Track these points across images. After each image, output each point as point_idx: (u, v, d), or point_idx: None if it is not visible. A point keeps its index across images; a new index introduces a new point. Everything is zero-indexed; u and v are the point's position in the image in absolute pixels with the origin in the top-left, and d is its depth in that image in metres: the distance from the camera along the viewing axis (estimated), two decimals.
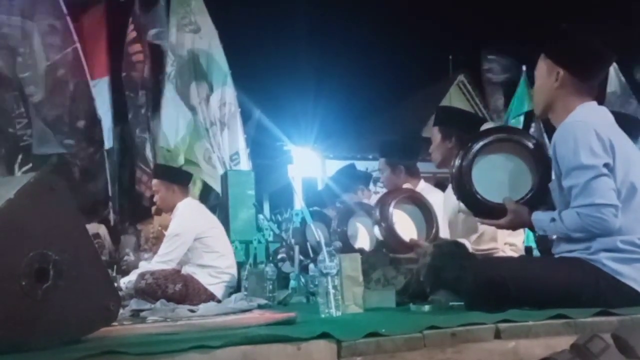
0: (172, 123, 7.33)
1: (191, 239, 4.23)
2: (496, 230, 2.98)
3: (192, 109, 7.56)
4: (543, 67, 2.39)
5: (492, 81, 9.94)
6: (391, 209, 3.21)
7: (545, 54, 2.39)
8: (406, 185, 3.87)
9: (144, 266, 4.32)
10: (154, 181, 4.60)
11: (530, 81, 8.83)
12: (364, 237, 3.89)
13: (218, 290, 4.21)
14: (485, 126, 2.85)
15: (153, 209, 5.30)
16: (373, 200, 4.40)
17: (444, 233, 3.30)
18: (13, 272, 1.77)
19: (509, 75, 9.79)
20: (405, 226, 3.22)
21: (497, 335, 1.82)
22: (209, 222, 4.48)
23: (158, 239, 5.12)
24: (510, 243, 3.08)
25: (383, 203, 3.28)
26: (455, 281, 2.47)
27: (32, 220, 1.85)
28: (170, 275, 4.12)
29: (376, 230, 3.31)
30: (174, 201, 4.43)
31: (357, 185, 4.76)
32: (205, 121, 7.56)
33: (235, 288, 4.32)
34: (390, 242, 3.21)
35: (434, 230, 3.21)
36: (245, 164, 7.54)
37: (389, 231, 3.18)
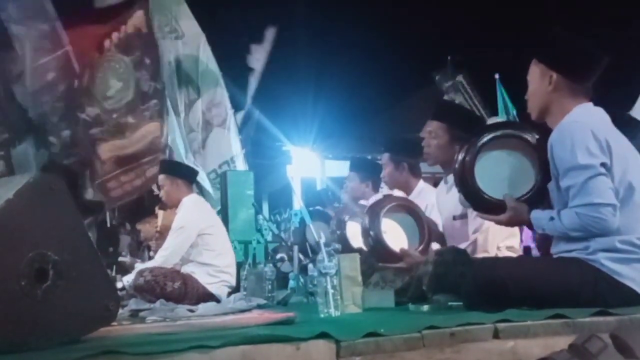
0: None
1: (195, 234, 4.24)
2: (487, 240, 2.96)
3: (178, 115, 7.58)
4: (536, 71, 2.39)
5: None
6: (381, 217, 3.12)
7: (537, 58, 2.39)
8: (404, 184, 3.85)
9: (140, 267, 4.32)
10: (160, 176, 4.62)
11: (506, 88, 8.86)
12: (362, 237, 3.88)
13: (217, 290, 4.21)
14: (491, 121, 2.83)
15: (156, 209, 5.29)
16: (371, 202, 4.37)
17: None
18: (13, 272, 1.77)
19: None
20: (396, 235, 3.14)
21: (496, 335, 1.82)
22: (211, 220, 4.50)
23: (162, 234, 5.12)
24: (507, 246, 3.07)
25: (373, 211, 3.20)
26: (456, 287, 2.47)
27: (32, 220, 1.86)
28: (169, 274, 4.13)
29: (363, 240, 3.25)
30: (179, 196, 4.44)
31: (369, 178, 4.68)
32: (185, 128, 7.55)
33: (234, 288, 4.33)
34: (378, 252, 3.13)
35: (425, 240, 3.14)
36: (240, 166, 7.53)
37: (377, 240, 3.10)
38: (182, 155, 7.29)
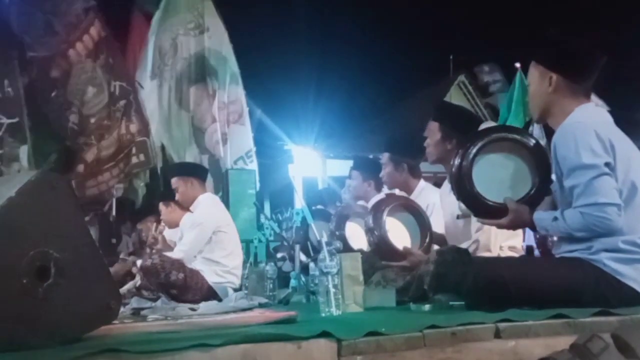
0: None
1: (211, 231, 4.27)
2: (489, 239, 2.96)
3: (187, 110, 7.67)
4: (535, 73, 2.39)
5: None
6: (385, 216, 3.15)
7: (535, 60, 2.39)
8: (404, 185, 3.84)
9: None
10: (173, 180, 4.64)
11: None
12: (362, 237, 3.87)
13: (221, 291, 4.22)
14: (484, 125, 2.83)
15: (160, 204, 5.26)
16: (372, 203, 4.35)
17: (441, 232, 3.28)
18: (14, 270, 1.77)
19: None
20: (399, 234, 3.17)
21: (497, 334, 1.82)
22: (226, 219, 4.53)
23: (161, 233, 5.13)
24: (510, 246, 3.07)
25: (376, 210, 3.23)
26: (457, 286, 2.46)
27: (33, 218, 1.86)
28: (177, 262, 4.15)
29: (367, 238, 3.28)
30: (194, 194, 4.47)
31: (371, 177, 4.67)
32: (201, 122, 7.62)
33: (237, 287, 4.33)
34: (382, 250, 3.16)
35: (427, 239, 3.17)
36: (254, 162, 7.65)
37: (382, 239, 3.12)
38: (180, 151, 7.36)
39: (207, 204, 4.40)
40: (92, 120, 7.28)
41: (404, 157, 3.84)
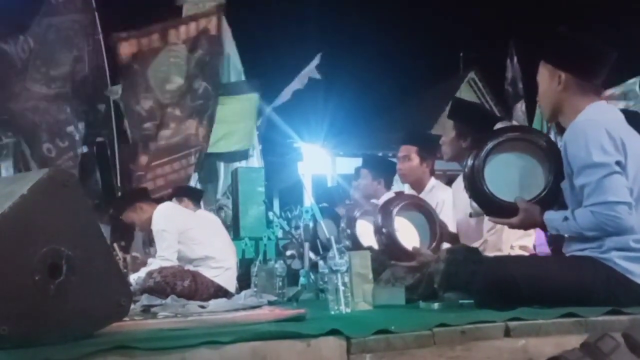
0: None
1: (177, 233, 4.27)
2: (500, 239, 2.95)
3: None
4: (544, 72, 2.37)
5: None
6: (393, 215, 3.14)
7: (544, 58, 2.38)
8: (419, 180, 3.82)
9: (152, 263, 4.34)
10: (124, 215, 4.62)
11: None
12: (372, 235, 3.87)
13: (224, 280, 4.24)
14: (498, 125, 2.82)
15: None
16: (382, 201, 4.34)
17: (453, 230, 3.27)
18: (26, 267, 1.79)
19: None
20: (408, 233, 3.17)
21: (507, 333, 1.82)
22: (188, 216, 4.55)
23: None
24: (521, 245, 3.05)
25: (385, 210, 3.23)
26: (468, 285, 2.46)
27: (45, 216, 1.87)
28: (178, 272, 4.14)
29: (376, 238, 3.27)
30: (149, 215, 4.44)
31: (381, 175, 4.65)
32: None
33: (239, 271, 4.37)
34: (391, 250, 3.16)
35: (437, 238, 3.16)
36: (257, 161, 7.62)
37: (390, 239, 3.12)
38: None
39: (160, 213, 4.39)
40: (167, 110, 7.27)
41: (432, 153, 3.81)
